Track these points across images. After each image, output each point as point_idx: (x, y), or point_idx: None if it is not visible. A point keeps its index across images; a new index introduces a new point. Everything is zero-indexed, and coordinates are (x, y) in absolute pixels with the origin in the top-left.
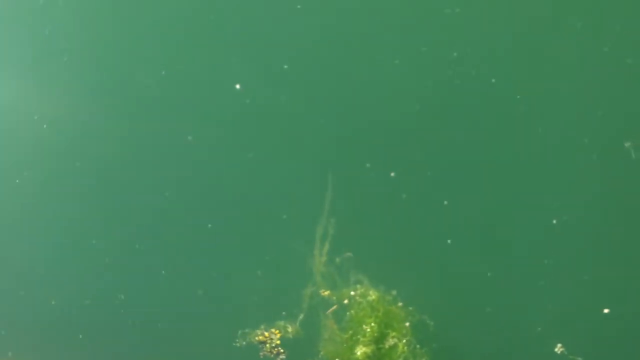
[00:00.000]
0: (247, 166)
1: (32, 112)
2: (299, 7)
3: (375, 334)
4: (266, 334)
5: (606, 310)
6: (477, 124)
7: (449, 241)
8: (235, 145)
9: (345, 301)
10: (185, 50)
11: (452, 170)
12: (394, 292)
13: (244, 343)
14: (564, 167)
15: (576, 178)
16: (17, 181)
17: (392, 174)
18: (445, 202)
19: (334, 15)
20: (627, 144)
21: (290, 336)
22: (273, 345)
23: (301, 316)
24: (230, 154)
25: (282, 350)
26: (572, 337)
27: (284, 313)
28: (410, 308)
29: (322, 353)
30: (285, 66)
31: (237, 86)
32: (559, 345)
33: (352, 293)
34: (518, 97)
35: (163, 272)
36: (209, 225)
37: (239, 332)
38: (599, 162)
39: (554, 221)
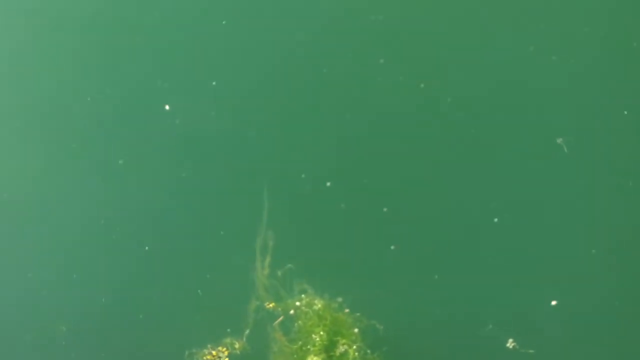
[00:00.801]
0: (180, 185)
1: None
2: (224, 22)
3: (325, 343)
4: (213, 352)
5: (554, 302)
6: (409, 128)
7: (392, 247)
8: (167, 166)
9: (292, 312)
10: (111, 74)
11: (389, 176)
12: (340, 300)
13: None
14: (500, 166)
15: (513, 176)
16: None
17: (328, 184)
18: (385, 209)
19: (261, 30)
20: (559, 140)
21: (238, 352)
22: None
23: (247, 331)
24: (163, 175)
25: None
26: (523, 332)
27: (229, 330)
28: (358, 314)
29: None
30: (214, 83)
31: (167, 107)
32: (510, 340)
33: (298, 303)
34: (449, 100)
35: (103, 299)
36: (146, 248)
37: (186, 352)
38: (534, 160)
39: (495, 220)
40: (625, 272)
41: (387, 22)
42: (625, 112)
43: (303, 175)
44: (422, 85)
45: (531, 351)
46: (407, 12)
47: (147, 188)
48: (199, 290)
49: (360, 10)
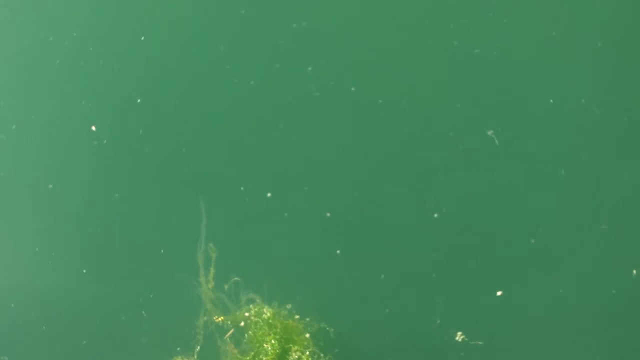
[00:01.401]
0: (115, 206)
1: None
2: (142, 38)
3: (277, 351)
4: None
5: (499, 293)
6: (344, 133)
7: (338, 251)
8: (98, 187)
9: (242, 323)
10: (34, 98)
11: (330, 182)
12: (289, 306)
13: None
14: (435, 162)
15: (448, 171)
16: None
17: (269, 194)
18: (328, 214)
19: (183, 43)
20: (489, 132)
21: None
22: None
23: (198, 348)
24: (95, 197)
25: None
26: (471, 324)
27: (179, 349)
28: (308, 319)
29: None
30: (139, 100)
31: (93, 128)
32: (459, 333)
33: (247, 314)
34: (380, 101)
35: (43, 327)
36: (84, 271)
37: None
38: (466, 153)
39: (435, 215)
40: (565, 260)
41: (312, 29)
42: (551, 101)
43: (242, 188)
44: (353, 89)
45: (480, 342)
46: (330, 18)
47: (79, 211)
48: (143, 312)
49: (284, 20)
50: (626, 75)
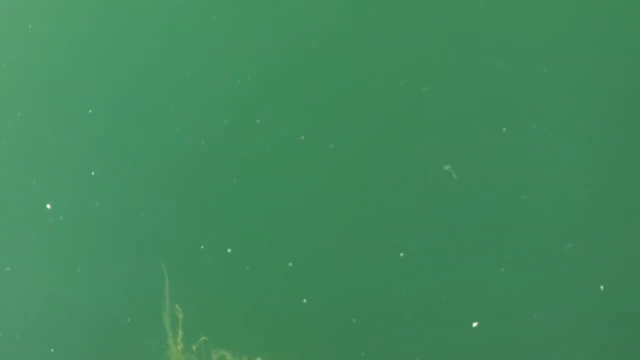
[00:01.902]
0: (76, 282)
1: None
2: (90, 111)
3: None
4: None
5: (475, 324)
6: (297, 180)
7: (304, 300)
8: (58, 264)
9: None
10: None
11: (289, 230)
12: (259, 359)
13: None
14: (394, 201)
15: (408, 209)
16: None
17: (229, 250)
18: (290, 264)
19: (133, 108)
20: (446, 167)
21: None
22: None
23: None
24: (56, 274)
25: None
26: (451, 357)
27: None
28: None
29: None
30: (93, 173)
31: (48, 206)
32: None
33: None
34: (331, 146)
35: None
36: (52, 350)
37: None
38: (425, 189)
39: (401, 254)
40: (534, 284)
41: (256, 82)
42: (504, 129)
43: (202, 247)
44: (302, 137)
45: None
46: (272, 71)
47: (41, 290)
48: None
49: (228, 76)
50: (576, 97)
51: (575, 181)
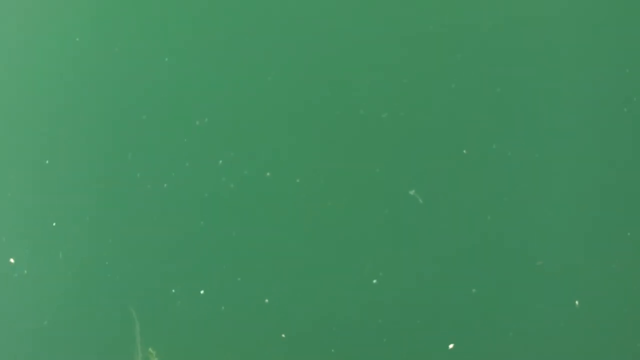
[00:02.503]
0: (43, 335)
1: None
2: (47, 162)
3: None
4: None
5: (451, 346)
6: (265, 217)
7: (282, 335)
8: (25, 317)
9: None
10: None
11: (261, 267)
12: None
13: None
14: (363, 229)
15: (377, 236)
16: None
17: (202, 292)
18: (266, 300)
19: (92, 154)
20: (411, 192)
21: None
22: None
23: None
24: (23, 327)
25: None
26: None
27: None
28: None
29: None
30: (54, 223)
31: (11, 260)
32: None
33: None
34: (297, 180)
35: None
36: None
37: None
38: (392, 215)
39: (374, 281)
40: (508, 303)
41: (214, 123)
42: (465, 151)
43: (173, 290)
44: (268, 174)
45: None
46: (229, 111)
47: (9, 345)
48: None
49: (186, 119)
50: (532, 116)
51: (539, 198)
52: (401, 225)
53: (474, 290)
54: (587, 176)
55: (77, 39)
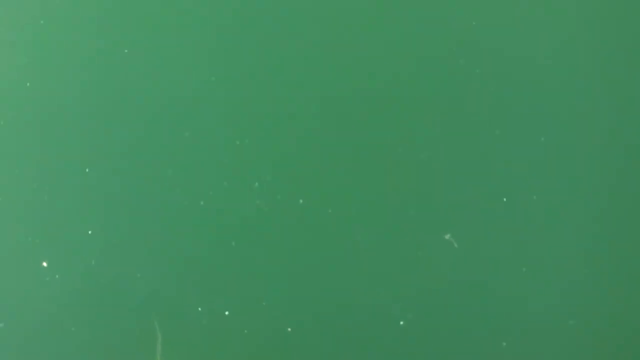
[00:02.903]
0: (71, 341)
1: None
2: (87, 170)
3: None
4: None
5: None
6: (295, 244)
7: None
8: (52, 324)
9: None
10: None
11: (288, 295)
12: None
13: None
14: (393, 269)
15: (407, 277)
16: None
17: (227, 313)
18: (289, 329)
19: (131, 169)
20: (447, 236)
21: None
22: None
23: None
24: (50, 334)
25: None
26: None
27: None
28: None
29: None
30: (90, 231)
31: (44, 264)
32: None
33: None
34: (330, 211)
35: None
36: None
37: None
38: (425, 258)
39: (401, 322)
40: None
41: (254, 145)
42: (505, 199)
43: (199, 309)
44: (300, 201)
45: None
46: (270, 135)
47: (35, 348)
48: None
49: (227, 138)
50: (575, 169)
51: (577, 253)
52: (433, 269)
53: (504, 344)
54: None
55: (126, 51)
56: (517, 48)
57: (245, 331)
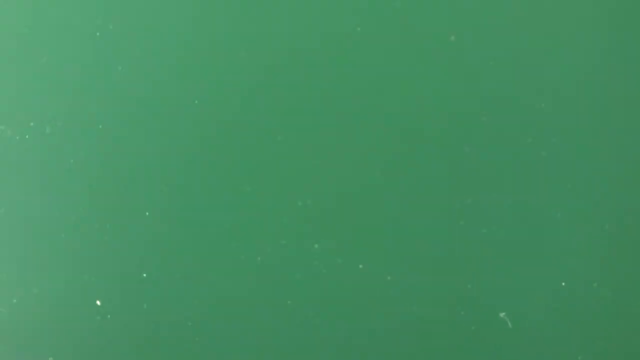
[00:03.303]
0: None
1: None
2: (147, 214)
3: None
4: None
5: None
6: (352, 309)
7: None
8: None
9: None
10: (38, 273)
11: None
12: None
13: None
14: (446, 341)
15: (458, 351)
16: None
17: None
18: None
19: (189, 219)
20: (502, 315)
21: None
22: None
23: None
24: None
25: None
26: None
27: None
28: None
29: None
30: (144, 274)
31: (98, 302)
32: None
33: None
34: (389, 278)
35: None
36: None
37: None
38: (477, 333)
39: None
40: None
41: (317, 207)
42: (563, 284)
43: None
44: (360, 266)
45: None
46: (333, 196)
47: None
48: None
49: (289, 198)
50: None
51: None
52: (485, 345)
53: None
54: None
55: (196, 102)
56: (517, 48)
57: None
